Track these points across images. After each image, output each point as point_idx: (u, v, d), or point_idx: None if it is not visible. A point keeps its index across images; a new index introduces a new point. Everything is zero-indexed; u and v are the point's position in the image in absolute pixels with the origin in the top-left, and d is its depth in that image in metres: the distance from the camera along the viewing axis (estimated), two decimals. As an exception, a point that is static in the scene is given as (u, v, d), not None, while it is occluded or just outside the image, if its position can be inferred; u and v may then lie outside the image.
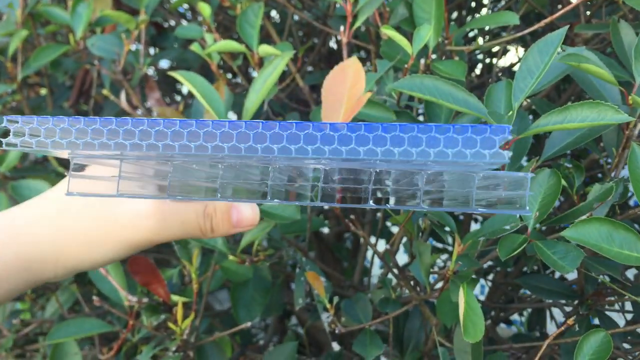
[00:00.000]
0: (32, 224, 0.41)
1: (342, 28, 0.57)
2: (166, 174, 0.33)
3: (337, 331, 0.55)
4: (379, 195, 0.41)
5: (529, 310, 1.05)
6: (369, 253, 1.03)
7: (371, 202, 0.37)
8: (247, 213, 0.42)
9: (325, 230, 1.12)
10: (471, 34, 0.99)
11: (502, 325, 1.26)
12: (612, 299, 0.69)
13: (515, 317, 1.22)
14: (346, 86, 0.54)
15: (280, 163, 0.32)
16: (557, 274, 0.86)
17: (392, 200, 0.40)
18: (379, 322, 0.58)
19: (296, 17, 0.99)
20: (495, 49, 0.91)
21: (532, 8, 0.74)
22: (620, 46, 0.59)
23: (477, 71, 1.04)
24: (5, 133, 0.30)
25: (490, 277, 1.03)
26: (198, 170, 0.34)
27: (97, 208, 0.41)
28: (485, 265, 1.05)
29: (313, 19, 0.73)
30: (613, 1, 0.70)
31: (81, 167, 0.34)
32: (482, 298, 1.00)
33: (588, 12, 0.72)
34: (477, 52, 0.94)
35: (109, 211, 0.41)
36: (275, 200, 0.33)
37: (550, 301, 0.79)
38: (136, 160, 0.33)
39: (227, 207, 0.42)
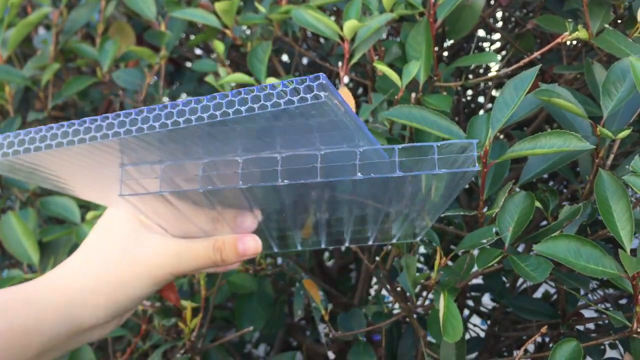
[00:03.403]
0: (67, 277, 0.46)
1: (340, 64, 0.64)
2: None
3: (331, 335, 0.60)
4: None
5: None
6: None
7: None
8: (251, 243, 0.46)
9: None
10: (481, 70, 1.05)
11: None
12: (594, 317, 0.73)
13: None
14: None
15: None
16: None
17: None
18: (372, 330, 0.63)
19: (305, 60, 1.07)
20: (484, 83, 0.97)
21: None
22: (593, 84, 0.65)
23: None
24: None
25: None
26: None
27: (119, 252, 0.45)
28: (489, 307, 1.08)
29: (318, 58, 0.80)
30: (592, 47, 0.77)
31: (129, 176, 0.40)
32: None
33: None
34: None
35: (131, 253, 0.45)
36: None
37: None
38: (175, 164, 0.39)
39: (234, 240, 0.46)
